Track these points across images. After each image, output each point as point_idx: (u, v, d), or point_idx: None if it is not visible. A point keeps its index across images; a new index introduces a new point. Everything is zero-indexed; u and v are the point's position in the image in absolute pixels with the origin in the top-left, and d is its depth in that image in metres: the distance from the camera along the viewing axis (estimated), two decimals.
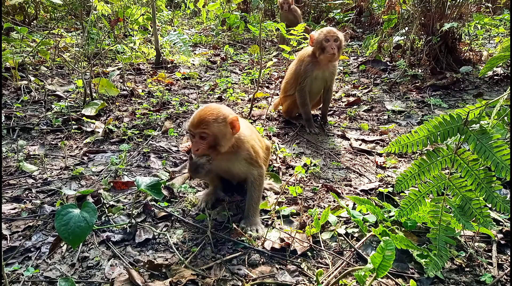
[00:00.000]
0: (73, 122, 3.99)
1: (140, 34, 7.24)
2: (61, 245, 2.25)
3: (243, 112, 4.34)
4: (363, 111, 4.50)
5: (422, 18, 5.23)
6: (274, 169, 3.16)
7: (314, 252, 2.19)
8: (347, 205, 2.43)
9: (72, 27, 8.19)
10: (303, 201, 2.63)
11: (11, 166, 3.14)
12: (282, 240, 2.25)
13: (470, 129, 1.81)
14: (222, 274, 2.02)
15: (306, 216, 2.45)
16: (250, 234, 2.29)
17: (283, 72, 5.79)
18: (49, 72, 5.60)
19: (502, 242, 2.22)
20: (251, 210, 2.41)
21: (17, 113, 4.05)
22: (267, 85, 5.60)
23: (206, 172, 2.32)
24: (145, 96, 4.90)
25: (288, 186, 2.68)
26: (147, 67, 6.19)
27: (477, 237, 2.25)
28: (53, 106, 4.31)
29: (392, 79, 5.35)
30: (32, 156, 3.33)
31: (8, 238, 2.31)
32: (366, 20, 8.91)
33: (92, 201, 2.55)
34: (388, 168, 3.19)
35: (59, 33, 6.70)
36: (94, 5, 5.93)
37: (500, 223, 2.37)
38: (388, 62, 6.08)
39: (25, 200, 2.72)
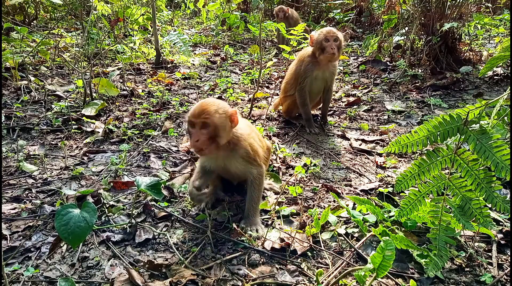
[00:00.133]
0: (73, 122, 3.99)
1: (140, 34, 7.24)
2: (61, 245, 2.25)
3: (243, 112, 4.34)
4: (363, 111, 4.50)
5: (422, 18, 5.23)
6: (274, 169, 3.16)
7: (314, 252, 2.19)
8: (347, 205, 2.43)
9: (72, 27, 8.19)
10: (303, 201, 2.63)
11: (11, 166, 3.14)
12: (282, 240, 2.25)
13: (470, 129, 1.81)
14: (222, 274, 2.02)
15: (306, 216, 2.45)
16: (250, 234, 2.29)
17: (283, 72, 5.79)
18: (49, 72, 5.60)
19: (502, 242, 2.22)
20: (251, 210, 2.41)
21: (17, 113, 4.05)
22: (267, 85, 5.60)
23: (206, 199, 2.55)
24: (145, 96, 4.90)
25: (288, 186, 2.68)
26: (147, 67, 6.19)
27: (477, 237, 2.25)
28: (53, 106, 4.31)
29: (392, 79, 5.35)
30: (32, 156, 3.33)
31: (8, 238, 2.31)
32: (366, 20, 8.91)
33: (92, 201, 2.55)
34: (388, 168, 3.19)
35: (59, 33, 6.70)
36: (94, 5, 5.93)
37: (500, 223, 2.37)
38: (388, 62, 6.08)
39: (25, 200, 2.72)
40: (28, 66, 5.41)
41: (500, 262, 2.08)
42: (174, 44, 5.34)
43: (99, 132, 3.79)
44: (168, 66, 6.27)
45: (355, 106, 4.65)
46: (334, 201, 2.69)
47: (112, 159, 3.19)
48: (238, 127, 2.35)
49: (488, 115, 1.83)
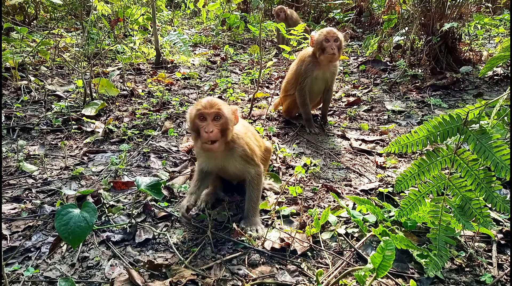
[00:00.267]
0: (73, 122, 3.99)
1: (140, 34, 7.24)
2: (61, 245, 2.25)
3: (243, 112, 4.34)
4: (363, 111, 4.50)
5: (422, 18, 5.23)
6: (274, 169, 3.16)
7: (314, 252, 2.19)
8: (347, 205, 2.43)
9: (72, 27, 8.19)
10: (303, 201, 2.63)
11: (11, 166, 3.14)
12: (282, 240, 2.25)
13: (470, 129, 1.81)
14: (222, 274, 2.02)
15: (306, 216, 2.45)
16: (250, 234, 2.29)
17: (283, 72, 5.80)
18: (49, 72, 5.60)
19: (502, 242, 2.22)
20: (251, 210, 2.41)
21: (17, 113, 4.05)
22: (267, 85, 5.60)
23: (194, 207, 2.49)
24: (145, 96, 4.90)
25: (288, 186, 2.68)
26: (147, 67, 6.19)
27: (477, 237, 2.25)
28: (53, 106, 4.31)
29: (392, 79, 5.35)
30: (32, 156, 3.33)
31: (8, 238, 2.31)
32: (366, 20, 8.91)
33: (92, 201, 2.55)
34: (388, 168, 3.19)
35: (59, 33, 6.70)
36: (94, 5, 5.93)
37: (500, 223, 2.37)
38: (388, 62, 6.08)
39: (25, 200, 2.72)
40: (28, 66, 5.41)
41: (500, 262, 2.08)
42: (174, 44, 5.34)
43: (99, 132, 3.79)
44: (168, 66, 6.27)
45: (355, 106, 4.65)
46: (334, 201, 2.69)
47: (112, 159, 3.19)
48: (235, 127, 2.38)
49: (488, 115, 1.83)
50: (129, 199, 2.75)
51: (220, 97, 4.84)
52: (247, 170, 2.42)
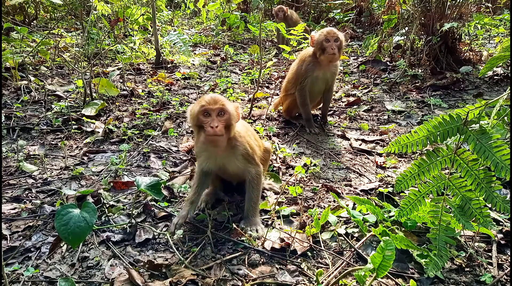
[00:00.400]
0: (73, 122, 3.99)
1: (140, 34, 7.24)
2: (61, 245, 2.25)
3: (243, 112, 4.34)
4: (363, 111, 4.50)
5: (422, 18, 5.23)
6: (274, 169, 3.16)
7: (314, 252, 2.19)
8: (347, 205, 2.42)
9: (72, 27, 8.19)
10: (303, 201, 2.63)
11: (11, 166, 3.14)
12: (282, 240, 2.25)
13: (470, 129, 1.81)
14: (222, 274, 2.02)
15: (306, 216, 2.45)
16: (250, 234, 2.29)
17: (283, 72, 5.80)
18: (49, 72, 5.60)
19: (502, 242, 2.22)
20: (251, 210, 2.41)
21: (17, 113, 4.05)
22: (267, 85, 5.60)
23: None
24: (145, 96, 4.90)
25: (288, 186, 2.68)
26: (147, 67, 6.19)
27: (477, 237, 2.25)
28: (53, 106, 4.31)
29: (392, 79, 5.35)
30: (32, 156, 3.33)
31: (8, 238, 2.31)
32: (366, 20, 8.91)
33: (92, 201, 2.56)
34: (388, 168, 3.19)
35: (59, 33, 6.70)
36: (94, 5, 5.93)
37: (500, 223, 2.37)
38: (388, 62, 6.08)
39: (25, 200, 2.72)
40: (28, 66, 5.41)
41: (500, 262, 2.08)
42: (174, 44, 5.34)
43: (99, 132, 3.79)
44: (168, 66, 6.27)
45: (355, 106, 4.65)
46: (334, 201, 2.69)
47: (112, 159, 3.19)
48: (236, 125, 2.39)
49: (488, 115, 1.83)
50: (129, 199, 2.75)
51: None
52: (248, 169, 2.43)
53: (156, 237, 2.34)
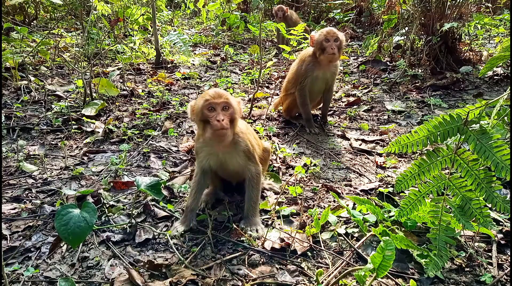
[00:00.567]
0: (73, 122, 3.99)
1: (140, 34, 7.24)
2: (61, 245, 2.25)
3: (243, 112, 4.34)
4: (363, 111, 4.50)
5: (422, 18, 5.23)
6: (274, 169, 3.16)
7: (314, 252, 2.19)
8: (347, 205, 2.42)
9: (72, 27, 8.19)
10: (303, 201, 2.63)
11: (11, 166, 3.14)
12: (282, 240, 2.25)
13: (470, 129, 1.81)
14: (222, 274, 2.02)
15: (306, 216, 2.45)
16: (250, 234, 2.29)
17: (283, 72, 5.80)
18: (49, 72, 5.60)
19: (502, 242, 2.22)
20: (251, 210, 2.41)
21: (17, 113, 4.05)
22: (267, 85, 5.60)
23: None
24: (145, 96, 4.90)
25: (288, 186, 2.68)
26: (147, 67, 6.19)
27: (477, 237, 2.25)
28: (53, 106, 4.31)
29: (392, 79, 5.35)
30: (32, 156, 3.33)
31: (8, 238, 2.31)
32: (366, 20, 8.91)
33: (92, 201, 2.55)
34: (388, 168, 3.19)
35: (59, 33, 6.70)
36: (94, 5, 5.93)
37: (500, 223, 2.37)
38: (388, 62, 6.08)
39: (25, 200, 2.72)
40: (28, 66, 5.41)
41: (500, 262, 2.08)
42: (174, 44, 5.34)
43: (99, 132, 3.79)
44: (168, 66, 6.27)
45: (355, 106, 4.65)
46: (334, 201, 2.69)
47: (112, 159, 3.19)
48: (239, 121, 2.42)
49: (488, 115, 1.83)
50: (129, 199, 2.75)
51: None
52: (248, 167, 2.43)
53: (156, 237, 2.34)
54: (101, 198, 2.66)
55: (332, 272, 1.98)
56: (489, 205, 1.80)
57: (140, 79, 5.62)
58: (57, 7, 7.89)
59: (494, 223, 1.91)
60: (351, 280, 1.94)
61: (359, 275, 1.64)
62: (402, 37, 5.90)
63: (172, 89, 5.27)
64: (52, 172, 3.11)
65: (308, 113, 3.99)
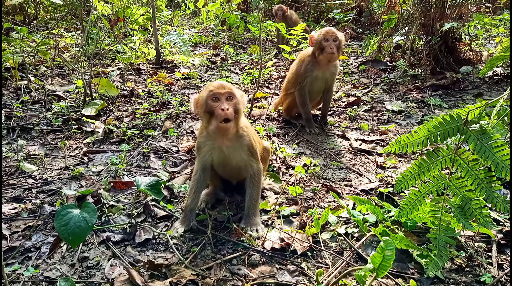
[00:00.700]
0: (73, 122, 3.99)
1: (140, 34, 7.24)
2: (61, 245, 2.25)
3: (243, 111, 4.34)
4: (363, 111, 4.50)
5: (422, 18, 5.23)
6: (274, 169, 3.16)
7: (314, 252, 2.19)
8: (347, 205, 2.42)
9: (72, 27, 8.19)
10: (303, 201, 2.63)
11: (11, 166, 3.14)
12: (282, 240, 2.25)
13: (470, 129, 1.81)
14: (222, 274, 2.02)
15: (306, 216, 2.45)
16: (250, 234, 2.29)
17: (283, 72, 5.80)
18: (49, 72, 5.60)
19: (502, 242, 2.22)
20: (251, 209, 2.41)
21: (17, 113, 4.05)
22: (267, 85, 5.61)
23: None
24: (145, 96, 4.90)
25: (288, 186, 2.68)
26: (147, 67, 6.19)
27: (477, 237, 2.25)
28: (53, 106, 4.31)
29: (392, 79, 5.35)
30: (32, 156, 3.33)
31: (8, 238, 2.31)
32: (366, 20, 8.92)
33: (92, 201, 2.56)
34: (388, 168, 3.19)
35: (59, 33, 6.70)
36: (94, 5, 5.93)
37: (500, 223, 2.37)
38: (388, 62, 6.08)
39: (25, 200, 2.72)
40: (28, 66, 5.41)
41: (500, 262, 2.08)
42: (174, 44, 5.34)
43: (99, 132, 3.79)
44: (168, 66, 6.27)
45: (355, 106, 4.65)
46: (334, 201, 2.69)
47: (112, 159, 3.19)
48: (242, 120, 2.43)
49: (488, 115, 1.83)
50: (129, 199, 2.75)
51: None
52: (250, 164, 2.43)
53: (156, 237, 2.34)
54: (101, 198, 2.66)
55: (332, 272, 1.98)
56: (489, 205, 1.80)
57: (140, 79, 5.62)
58: (57, 7, 7.89)
59: (494, 223, 1.91)
60: (351, 280, 1.94)
61: (359, 275, 1.64)
62: (402, 37, 5.90)
63: (172, 89, 5.27)
64: (52, 172, 3.11)
65: (308, 113, 3.99)
